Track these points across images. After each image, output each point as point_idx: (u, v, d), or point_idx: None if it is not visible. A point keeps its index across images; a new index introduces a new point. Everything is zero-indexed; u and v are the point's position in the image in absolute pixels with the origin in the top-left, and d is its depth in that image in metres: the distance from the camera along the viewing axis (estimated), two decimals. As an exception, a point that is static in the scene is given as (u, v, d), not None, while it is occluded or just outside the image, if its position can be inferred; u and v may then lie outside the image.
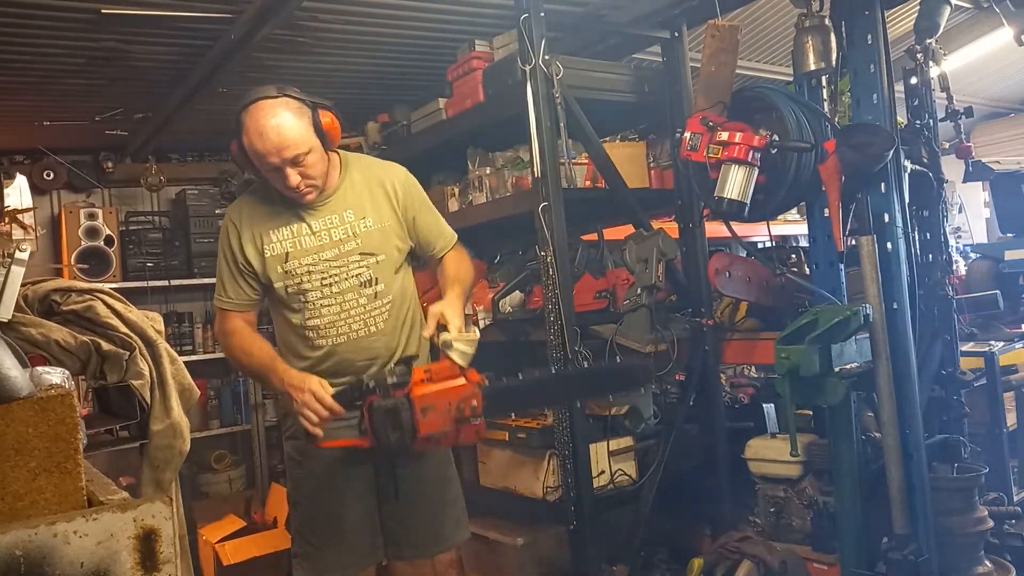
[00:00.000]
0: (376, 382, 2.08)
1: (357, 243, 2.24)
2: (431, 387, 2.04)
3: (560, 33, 3.15)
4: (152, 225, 4.92)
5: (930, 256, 2.86)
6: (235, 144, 2.16)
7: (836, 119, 2.56)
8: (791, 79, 2.88)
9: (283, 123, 2.09)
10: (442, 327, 2.11)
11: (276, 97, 2.11)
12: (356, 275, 2.24)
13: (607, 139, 3.28)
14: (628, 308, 2.71)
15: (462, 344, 2.07)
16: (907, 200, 2.56)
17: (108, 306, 1.65)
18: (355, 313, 2.24)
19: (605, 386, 2.28)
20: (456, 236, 2.45)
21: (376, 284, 2.26)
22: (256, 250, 2.22)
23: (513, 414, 3.01)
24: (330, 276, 2.22)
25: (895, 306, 2.45)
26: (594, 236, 3.12)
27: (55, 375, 1.16)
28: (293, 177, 2.11)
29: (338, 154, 2.29)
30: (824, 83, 2.61)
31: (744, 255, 3.13)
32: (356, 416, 2.07)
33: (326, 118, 2.16)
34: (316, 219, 2.23)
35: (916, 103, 2.88)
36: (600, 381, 2.28)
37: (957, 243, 5.35)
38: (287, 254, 2.21)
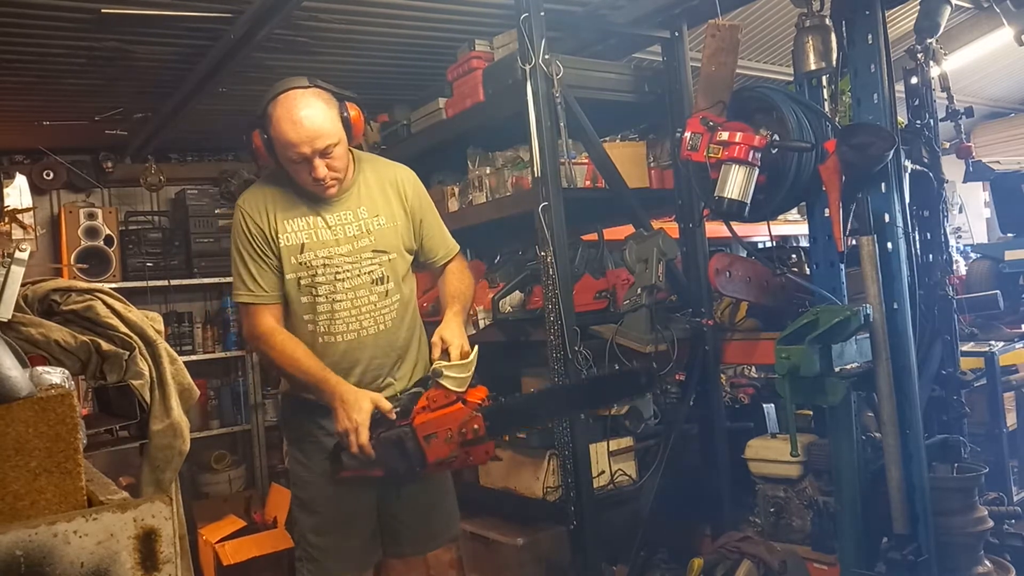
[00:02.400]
0: (382, 413, 2.11)
1: (371, 240, 2.24)
2: (430, 415, 2.07)
3: (560, 33, 3.15)
4: (152, 225, 4.92)
5: (930, 256, 2.86)
6: (257, 135, 2.14)
7: (836, 119, 2.56)
8: (791, 79, 2.88)
9: (315, 113, 2.09)
10: (444, 352, 2.12)
11: (307, 87, 2.12)
12: (369, 272, 2.24)
13: (607, 139, 3.28)
14: (628, 308, 2.71)
15: (453, 371, 2.07)
16: (907, 200, 2.56)
17: (108, 306, 1.65)
18: (366, 310, 2.24)
19: (607, 395, 2.27)
20: (458, 247, 2.46)
21: (387, 282, 2.27)
22: (273, 237, 2.20)
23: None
24: (344, 271, 2.22)
25: (895, 306, 2.45)
26: (594, 236, 3.12)
27: (55, 375, 1.16)
28: (321, 169, 2.11)
29: (351, 152, 2.29)
30: (824, 83, 2.61)
31: (744, 255, 3.13)
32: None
33: (353, 111, 2.18)
34: (331, 213, 2.23)
35: (916, 103, 2.88)
36: (601, 390, 2.28)
37: (957, 243, 5.35)
38: (302, 245, 2.20)
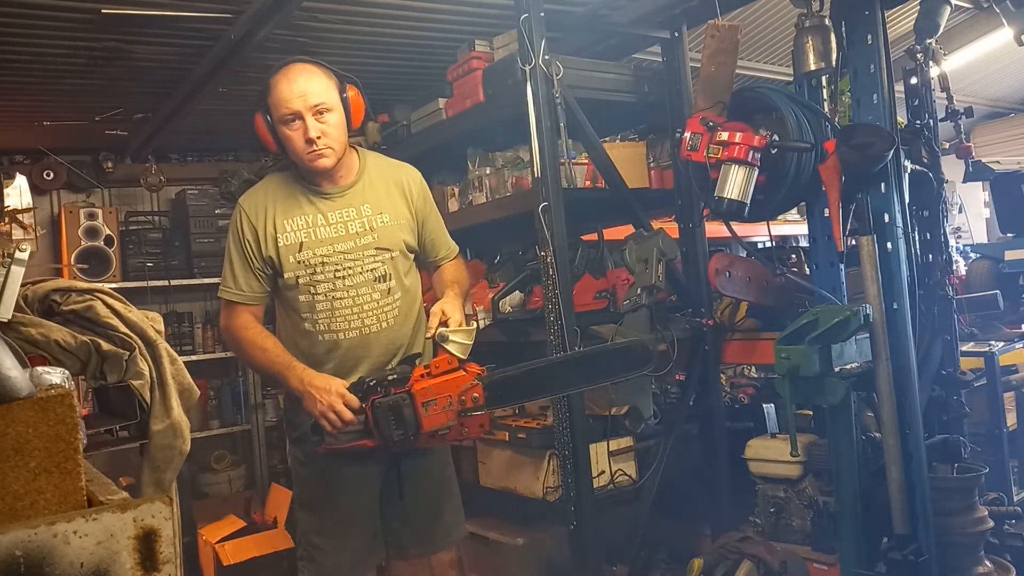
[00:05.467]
0: (377, 381, 2.10)
1: (374, 237, 2.25)
2: (430, 381, 2.06)
3: (560, 33, 3.14)
4: (152, 225, 4.92)
5: (930, 256, 2.86)
6: (260, 116, 2.18)
7: (836, 119, 2.56)
8: (791, 79, 2.88)
9: (311, 76, 2.14)
10: (443, 324, 2.13)
11: (308, 62, 2.18)
12: (371, 269, 2.25)
13: (607, 139, 3.28)
14: (628, 308, 2.71)
15: (459, 336, 2.08)
16: (907, 200, 2.56)
17: (108, 306, 1.64)
18: (368, 308, 2.25)
19: (606, 369, 2.21)
20: (458, 248, 2.50)
21: (390, 280, 2.27)
22: (270, 239, 2.22)
23: (515, 410, 3.01)
24: (344, 269, 2.22)
25: (895, 306, 2.45)
26: (594, 236, 3.12)
27: (55, 375, 1.16)
28: (313, 127, 2.12)
29: (356, 150, 2.32)
30: (824, 83, 2.61)
31: (744, 255, 3.13)
32: (361, 417, 2.09)
33: (351, 92, 2.20)
34: (332, 210, 2.24)
35: (916, 103, 2.88)
36: (600, 364, 2.22)
37: (957, 243, 5.36)
38: (301, 244, 2.21)
